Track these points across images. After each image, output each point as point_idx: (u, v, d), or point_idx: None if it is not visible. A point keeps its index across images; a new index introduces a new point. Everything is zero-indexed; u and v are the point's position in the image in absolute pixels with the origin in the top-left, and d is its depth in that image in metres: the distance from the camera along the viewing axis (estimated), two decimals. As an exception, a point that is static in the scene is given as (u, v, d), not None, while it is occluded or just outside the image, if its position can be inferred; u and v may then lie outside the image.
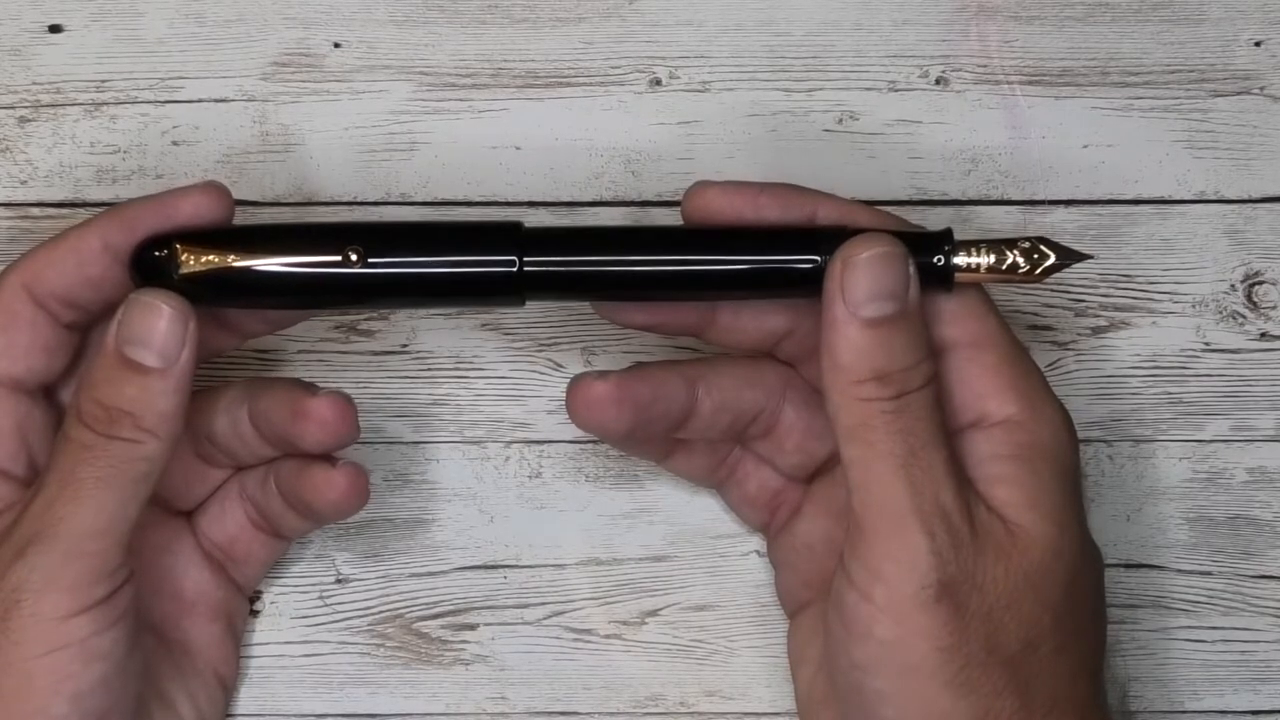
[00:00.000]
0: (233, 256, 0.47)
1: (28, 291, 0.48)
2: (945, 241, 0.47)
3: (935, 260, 0.47)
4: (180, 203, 0.48)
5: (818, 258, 0.47)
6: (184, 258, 0.47)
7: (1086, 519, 0.49)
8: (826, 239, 0.47)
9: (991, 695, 0.46)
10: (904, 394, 0.46)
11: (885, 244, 0.46)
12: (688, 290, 0.48)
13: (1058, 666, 0.47)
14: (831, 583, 0.48)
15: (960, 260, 0.47)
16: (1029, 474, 0.47)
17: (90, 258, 0.48)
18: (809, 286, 0.47)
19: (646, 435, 0.50)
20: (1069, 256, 0.48)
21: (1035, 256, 0.47)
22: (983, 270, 0.47)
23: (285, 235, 0.48)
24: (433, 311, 0.54)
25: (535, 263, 0.47)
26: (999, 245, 0.47)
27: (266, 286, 0.47)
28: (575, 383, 0.49)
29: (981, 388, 0.47)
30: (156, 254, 0.47)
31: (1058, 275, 0.47)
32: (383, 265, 0.47)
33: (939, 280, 0.47)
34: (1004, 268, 0.47)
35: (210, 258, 0.47)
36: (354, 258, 0.47)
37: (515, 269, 0.47)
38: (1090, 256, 0.49)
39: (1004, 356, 0.48)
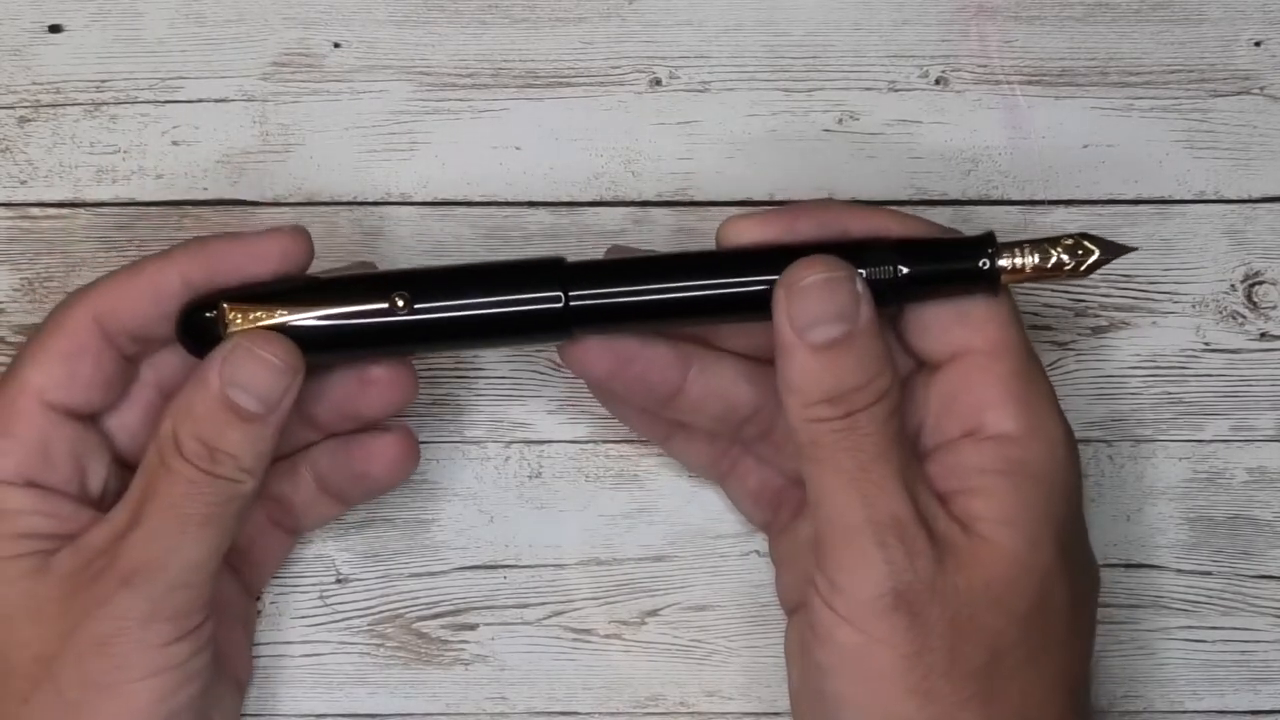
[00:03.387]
0: (281, 312, 0.47)
1: (99, 325, 0.48)
2: (988, 244, 0.47)
3: (980, 264, 0.47)
4: (267, 245, 0.48)
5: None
6: (232, 317, 0.47)
7: (1081, 532, 0.49)
8: (867, 252, 0.47)
9: (955, 705, 0.46)
10: (853, 412, 0.46)
11: (828, 268, 0.46)
12: (732, 312, 0.48)
13: (1028, 680, 0.47)
14: None
15: (1005, 263, 0.47)
16: (1010, 490, 0.47)
17: (168, 295, 0.48)
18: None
19: (629, 396, 0.50)
20: (1113, 250, 0.48)
21: (1080, 253, 0.48)
22: (1028, 270, 0.47)
23: (331, 288, 0.48)
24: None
25: (580, 296, 0.47)
26: (1042, 245, 0.48)
27: (316, 340, 0.47)
28: (572, 342, 0.49)
29: (985, 398, 0.47)
30: (206, 315, 0.47)
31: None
32: (430, 310, 0.47)
33: (986, 284, 0.47)
34: (1049, 266, 0.48)
35: (258, 314, 0.47)
36: (400, 304, 0.47)
37: (562, 304, 0.47)
38: (1134, 249, 0.49)
39: (1015, 370, 0.47)
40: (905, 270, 0.47)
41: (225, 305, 0.47)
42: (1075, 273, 0.48)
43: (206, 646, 0.48)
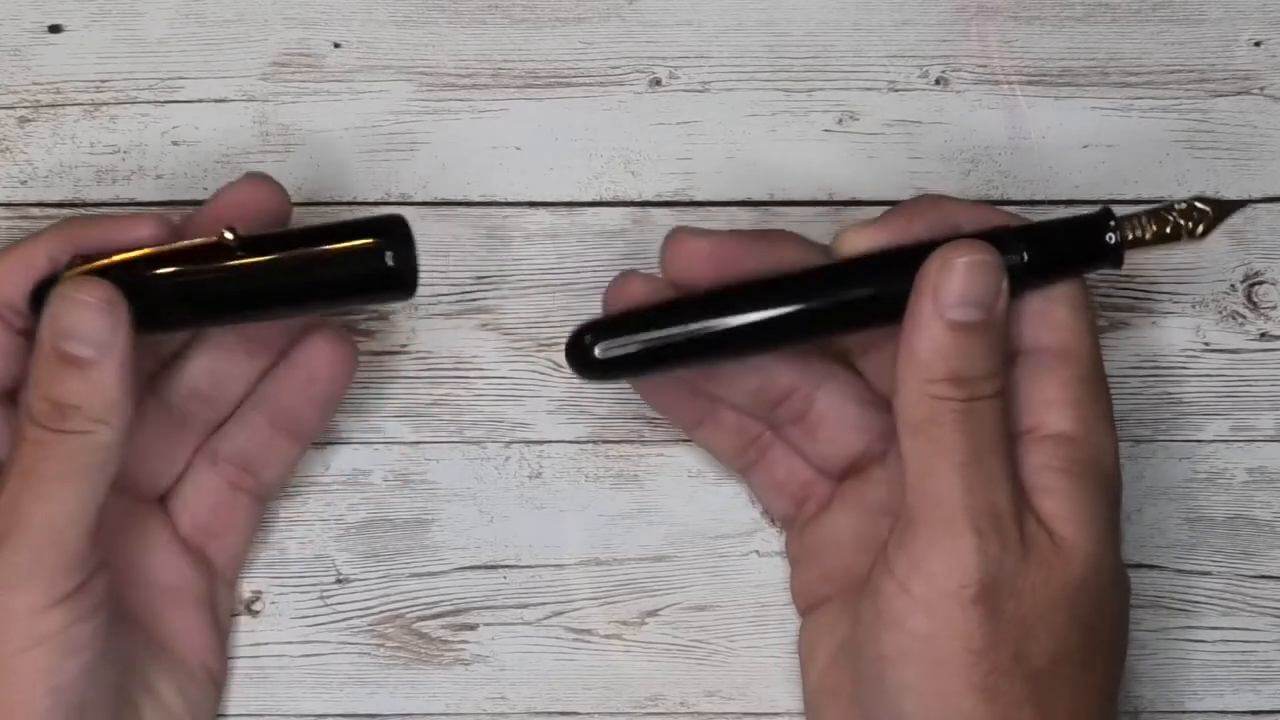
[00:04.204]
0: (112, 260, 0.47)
1: None
2: (1109, 219, 0.49)
3: (1108, 239, 0.48)
4: (132, 225, 0.48)
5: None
6: (66, 277, 0.47)
7: (1121, 545, 0.49)
8: (994, 241, 0.48)
9: (1013, 705, 0.46)
10: (974, 399, 0.46)
11: (985, 251, 0.47)
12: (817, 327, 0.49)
13: (1080, 684, 0.47)
14: (858, 580, 0.49)
15: (1129, 234, 0.49)
16: (1078, 488, 0.47)
17: (38, 269, 0.48)
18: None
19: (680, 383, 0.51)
20: (1227, 208, 0.49)
21: (1195, 214, 0.49)
22: (1147, 238, 0.49)
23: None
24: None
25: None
26: (1158, 213, 0.49)
27: (158, 294, 0.47)
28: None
29: (1049, 398, 0.48)
30: (51, 285, 0.47)
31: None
32: (259, 249, 0.47)
33: (1111, 259, 0.49)
34: (1169, 232, 0.49)
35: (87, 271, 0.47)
36: (231, 238, 0.47)
37: (385, 259, 0.47)
38: (1247, 202, 0.50)
39: (1082, 375, 0.48)
40: (1028, 257, 0.48)
41: (66, 273, 0.47)
42: (1194, 236, 0.49)
43: (93, 614, 0.47)
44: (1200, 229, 0.49)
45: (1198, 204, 0.49)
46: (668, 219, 0.55)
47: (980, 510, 0.46)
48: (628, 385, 0.53)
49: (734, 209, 0.55)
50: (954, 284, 0.46)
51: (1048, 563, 0.46)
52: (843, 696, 0.49)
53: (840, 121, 0.55)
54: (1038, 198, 0.55)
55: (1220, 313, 0.55)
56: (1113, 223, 0.49)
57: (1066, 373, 0.48)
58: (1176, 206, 0.49)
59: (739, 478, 0.54)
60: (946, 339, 0.46)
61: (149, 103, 0.55)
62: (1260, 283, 0.55)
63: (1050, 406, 0.48)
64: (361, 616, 0.55)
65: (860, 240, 0.49)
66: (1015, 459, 0.47)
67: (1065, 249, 0.49)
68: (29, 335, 0.48)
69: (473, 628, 0.55)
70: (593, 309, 0.54)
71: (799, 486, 0.52)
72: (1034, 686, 0.46)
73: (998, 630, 0.46)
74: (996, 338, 0.47)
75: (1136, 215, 0.49)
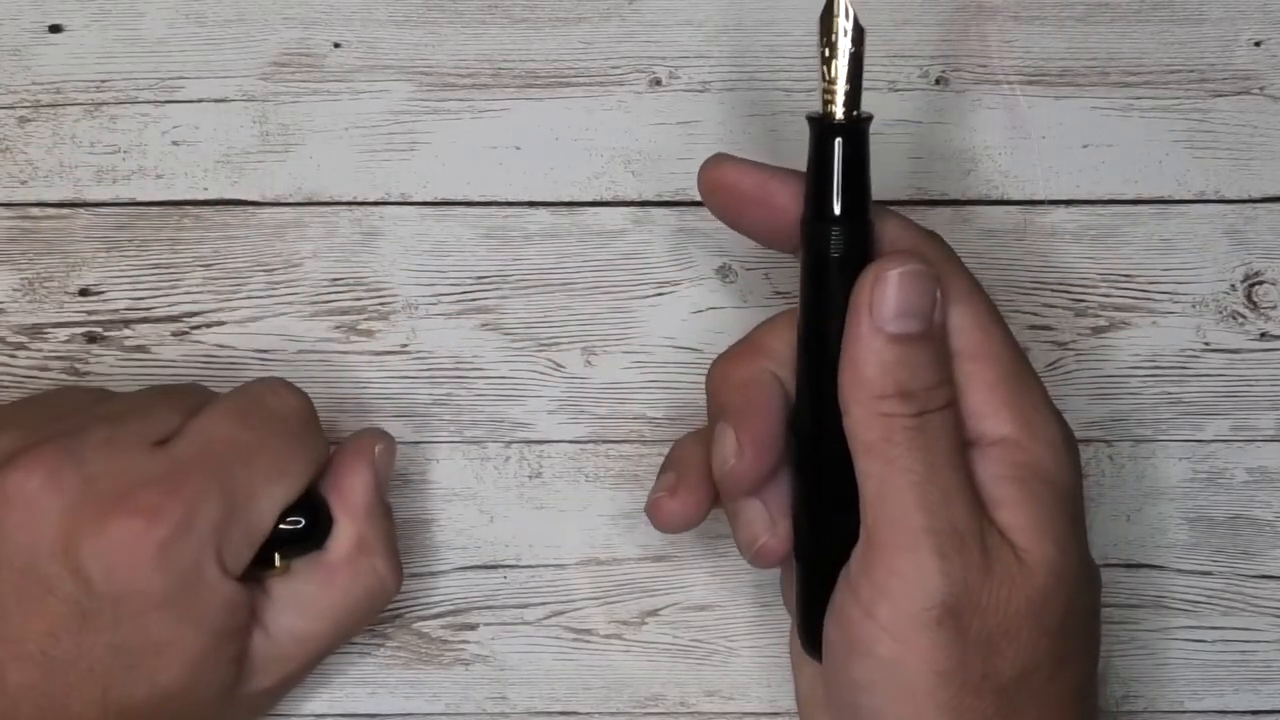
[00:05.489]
0: None
1: None
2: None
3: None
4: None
5: None
6: None
7: (1086, 536, 0.49)
8: None
9: None
10: (925, 412, 0.45)
11: (916, 262, 0.46)
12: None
13: (1049, 693, 0.46)
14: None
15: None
16: (1029, 496, 0.46)
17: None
18: None
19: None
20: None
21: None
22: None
23: None
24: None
25: None
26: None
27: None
28: (650, 506, 0.49)
29: (979, 405, 0.47)
30: None
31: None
32: None
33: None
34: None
35: None
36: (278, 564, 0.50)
37: None
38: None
39: (1003, 373, 0.47)
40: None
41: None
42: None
43: None
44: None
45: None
46: (668, 219, 0.55)
47: (940, 530, 0.45)
48: (627, 385, 0.54)
49: (734, 209, 0.55)
50: (889, 297, 0.45)
51: (1011, 577, 0.45)
52: (833, 709, 0.49)
53: (840, 121, 0.55)
54: (1038, 197, 0.55)
55: (1220, 313, 0.55)
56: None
57: (989, 375, 0.47)
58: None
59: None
60: (890, 354, 0.45)
61: (149, 103, 0.55)
62: (1260, 283, 0.55)
63: (984, 415, 0.47)
64: (370, 623, 0.55)
65: (728, 174, 0.48)
66: (970, 470, 0.47)
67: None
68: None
69: (473, 628, 0.55)
70: (593, 309, 0.55)
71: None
72: (1002, 701, 0.45)
73: (964, 650, 0.45)
74: (939, 347, 0.46)
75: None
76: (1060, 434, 0.47)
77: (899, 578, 0.45)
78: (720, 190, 0.49)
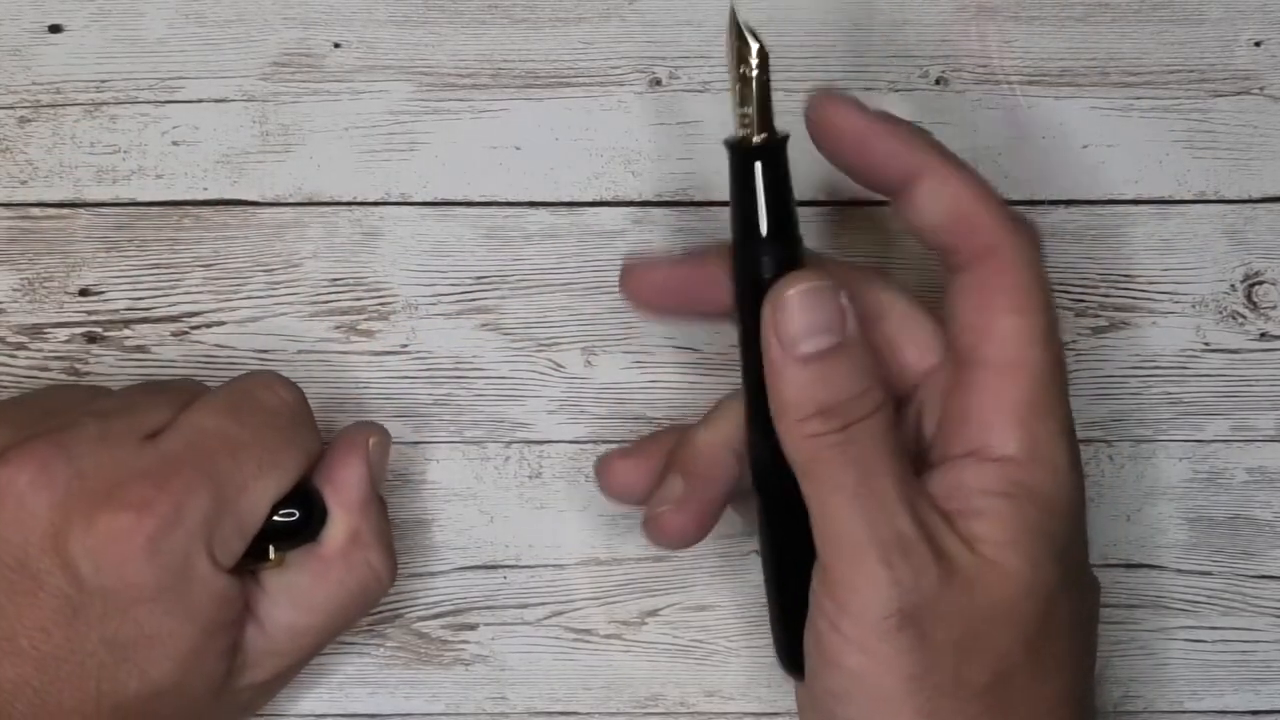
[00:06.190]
0: None
1: None
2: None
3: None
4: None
5: None
6: None
7: (1086, 555, 0.49)
8: None
9: None
10: (850, 424, 0.45)
11: (812, 279, 0.45)
12: None
13: (1033, 700, 0.46)
14: None
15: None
16: (1013, 512, 0.46)
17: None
18: None
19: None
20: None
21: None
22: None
23: None
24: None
25: None
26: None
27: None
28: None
29: (991, 421, 0.47)
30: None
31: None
32: None
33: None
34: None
35: None
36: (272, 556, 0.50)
37: None
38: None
39: (1027, 395, 0.47)
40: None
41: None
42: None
43: None
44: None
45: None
46: (668, 219, 0.55)
47: (884, 539, 0.45)
48: (627, 385, 0.53)
49: (734, 209, 0.55)
50: (793, 319, 0.45)
51: (971, 581, 0.45)
52: None
53: (840, 121, 0.55)
54: (1038, 197, 0.55)
55: (1220, 313, 0.55)
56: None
57: (1012, 393, 0.46)
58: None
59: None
60: (804, 375, 0.45)
61: (149, 103, 0.55)
62: (1260, 283, 0.55)
63: (994, 429, 0.46)
64: (363, 618, 0.55)
65: (846, 120, 0.47)
66: (953, 477, 0.46)
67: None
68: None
69: (473, 628, 0.55)
70: (593, 309, 0.55)
71: None
72: (981, 706, 0.45)
73: (930, 654, 0.45)
74: (858, 356, 0.46)
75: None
76: (1066, 458, 0.47)
77: (853, 592, 0.45)
78: (647, 296, 0.49)
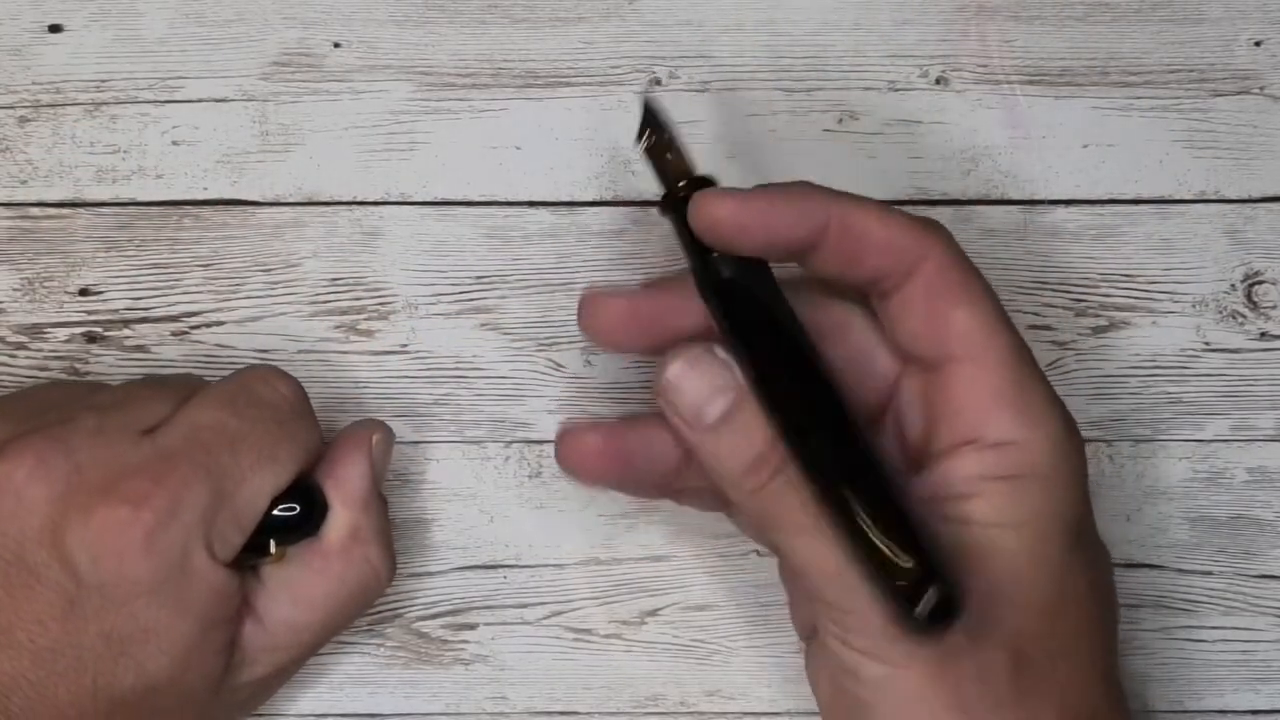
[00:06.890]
0: None
1: None
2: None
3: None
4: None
5: None
6: None
7: (1093, 525, 0.49)
8: None
9: (989, 710, 0.46)
10: (779, 468, 0.46)
11: (685, 350, 0.47)
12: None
13: (1064, 672, 0.46)
14: None
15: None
16: (1011, 491, 0.46)
17: None
18: None
19: (637, 485, 0.50)
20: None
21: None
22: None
23: None
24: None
25: None
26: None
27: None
28: (565, 433, 0.49)
29: (980, 409, 0.47)
30: None
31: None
32: None
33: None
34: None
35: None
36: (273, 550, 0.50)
37: None
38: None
39: (1007, 379, 0.47)
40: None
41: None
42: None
43: None
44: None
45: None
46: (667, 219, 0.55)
47: (859, 558, 0.46)
48: (627, 386, 0.53)
49: (734, 209, 0.55)
50: (684, 396, 0.46)
51: (973, 568, 0.45)
52: None
53: (840, 121, 0.55)
54: (1038, 197, 0.55)
55: (1220, 313, 0.55)
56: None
57: (991, 381, 0.47)
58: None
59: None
60: (725, 440, 0.46)
61: (149, 103, 0.55)
62: (1260, 283, 0.55)
63: (986, 418, 0.47)
64: (361, 616, 0.55)
65: (720, 209, 0.47)
66: (951, 467, 0.47)
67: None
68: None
69: (473, 627, 0.55)
70: (593, 309, 0.55)
71: None
72: (1007, 686, 0.46)
73: (943, 646, 0.45)
74: (752, 400, 0.46)
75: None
76: (1061, 429, 0.47)
77: (851, 619, 0.46)
78: (609, 329, 0.49)
